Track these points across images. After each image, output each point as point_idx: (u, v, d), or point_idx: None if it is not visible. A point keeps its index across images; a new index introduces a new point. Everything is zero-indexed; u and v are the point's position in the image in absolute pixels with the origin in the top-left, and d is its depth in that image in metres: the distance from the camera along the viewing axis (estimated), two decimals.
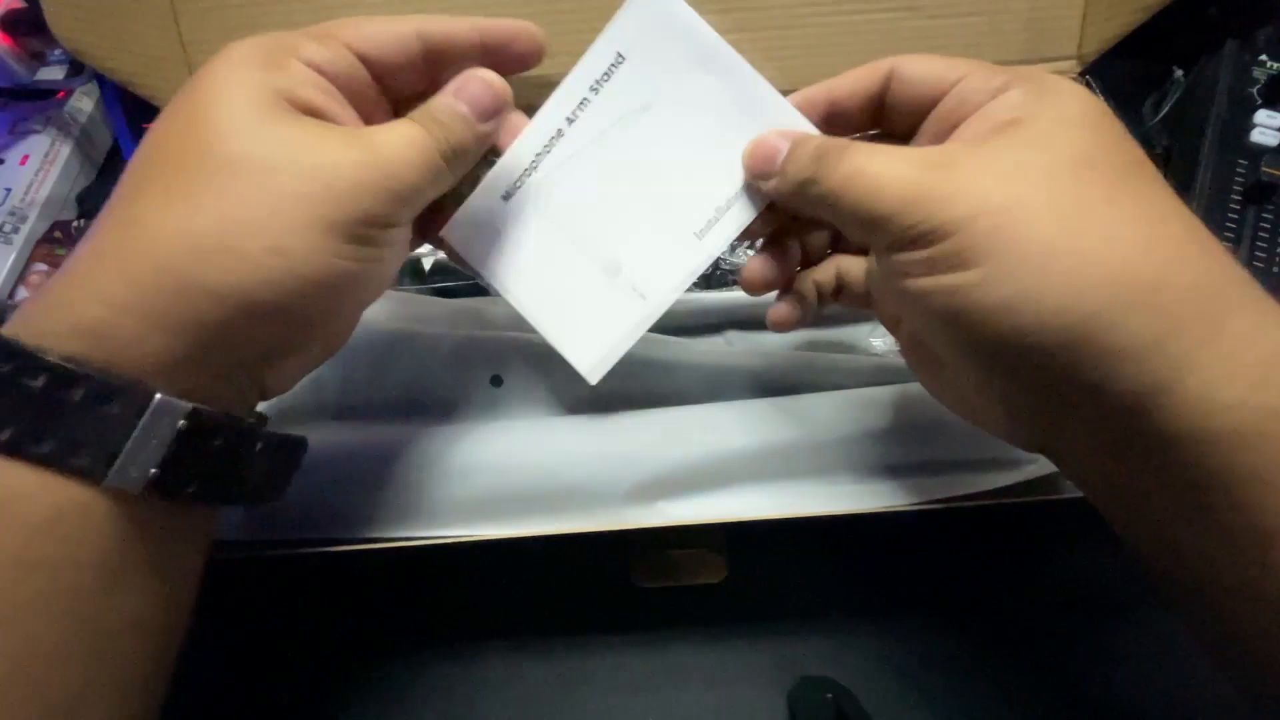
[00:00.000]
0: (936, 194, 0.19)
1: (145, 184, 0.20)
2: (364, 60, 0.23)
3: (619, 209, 0.26)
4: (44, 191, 0.47)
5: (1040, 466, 0.29)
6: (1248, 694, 0.21)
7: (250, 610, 0.34)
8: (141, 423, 0.19)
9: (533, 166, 0.25)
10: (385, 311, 0.32)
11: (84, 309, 0.19)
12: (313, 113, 0.21)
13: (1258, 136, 0.40)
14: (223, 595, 0.34)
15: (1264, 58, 0.42)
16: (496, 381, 0.32)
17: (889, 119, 0.25)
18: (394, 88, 0.24)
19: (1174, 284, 0.18)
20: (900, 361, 0.33)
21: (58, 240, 0.46)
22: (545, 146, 0.25)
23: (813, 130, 0.25)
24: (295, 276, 0.20)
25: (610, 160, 0.25)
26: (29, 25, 0.46)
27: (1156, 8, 0.38)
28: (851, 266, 0.27)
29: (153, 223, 0.19)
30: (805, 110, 0.25)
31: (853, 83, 0.24)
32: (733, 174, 0.25)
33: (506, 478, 0.29)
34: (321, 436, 0.31)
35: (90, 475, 0.19)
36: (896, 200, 0.20)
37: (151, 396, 0.19)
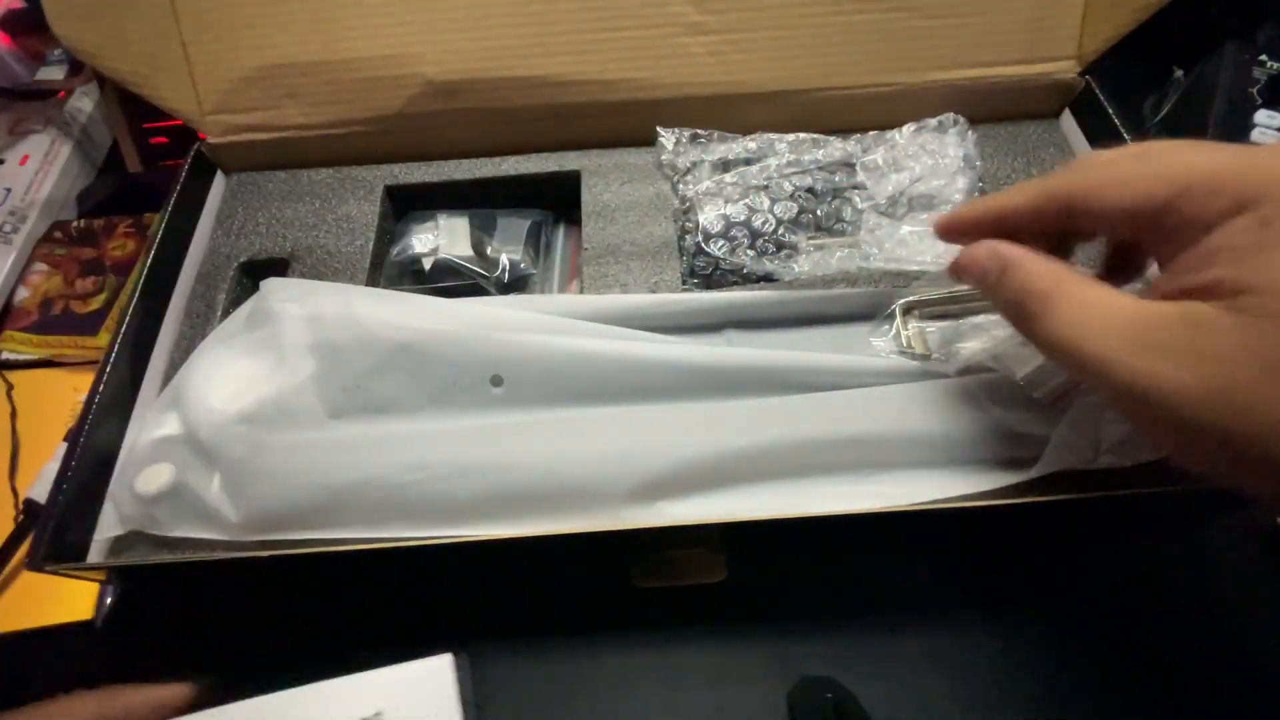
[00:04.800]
0: (1146, 389, 0.19)
1: None
2: None
3: None
4: (44, 191, 0.48)
5: (1041, 468, 0.29)
6: None
7: (249, 610, 0.34)
8: None
9: None
10: (385, 311, 0.32)
11: None
12: None
13: (1258, 136, 0.40)
14: (222, 595, 0.34)
15: (1264, 58, 0.42)
16: (496, 381, 0.32)
17: (1076, 235, 0.24)
18: None
19: None
20: (899, 362, 0.33)
21: (58, 240, 0.46)
22: None
23: None
24: None
25: None
26: (29, 25, 0.46)
27: (1156, 8, 0.38)
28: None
29: None
30: (971, 233, 0.25)
31: (1029, 209, 0.24)
32: None
33: (506, 478, 0.29)
34: (321, 436, 0.31)
35: None
36: (1105, 381, 0.20)
37: None
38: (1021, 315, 0.22)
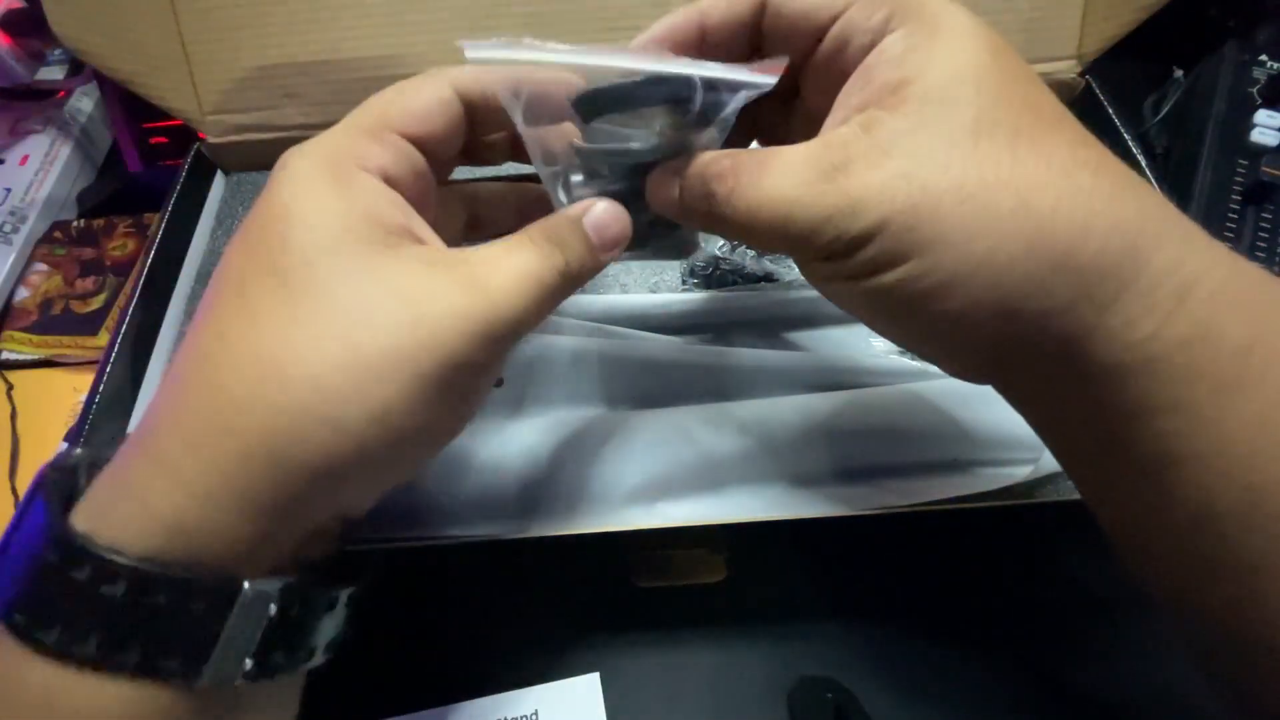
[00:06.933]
0: (843, 208, 0.18)
1: (225, 339, 0.18)
2: (417, 142, 0.21)
3: None
4: (44, 191, 0.48)
5: (1040, 468, 0.29)
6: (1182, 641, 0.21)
7: None
8: (232, 616, 0.18)
9: None
10: None
11: (164, 498, 0.17)
12: (399, 234, 0.20)
13: (1258, 136, 0.40)
14: None
15: (1264, 58, 0.42)
16: (497, 381, 0.32)
17: (768, 53, 0.22)
18: (438, 156, 0.22)
19: (1090, 239, 0.18)
20: (899, 362, 0.33)
21: (58, 240, 0.46)
22: None
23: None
24: (393, 442, 0.18)
25: None
26: (29, 25, 0.46)
27: (1156, 8, 0.38)
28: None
29: (240, 395, 0.18)
30: (677, 45, 0.22)
31: (725, 11, 0.22)
32: None
33: (507, 478, 0.29)
34: None
35: (184, 678, 0.18)
36: (805, 226, 0.19)
37: (240, 587, 0.18)
38: (709, 204, 0.20)
